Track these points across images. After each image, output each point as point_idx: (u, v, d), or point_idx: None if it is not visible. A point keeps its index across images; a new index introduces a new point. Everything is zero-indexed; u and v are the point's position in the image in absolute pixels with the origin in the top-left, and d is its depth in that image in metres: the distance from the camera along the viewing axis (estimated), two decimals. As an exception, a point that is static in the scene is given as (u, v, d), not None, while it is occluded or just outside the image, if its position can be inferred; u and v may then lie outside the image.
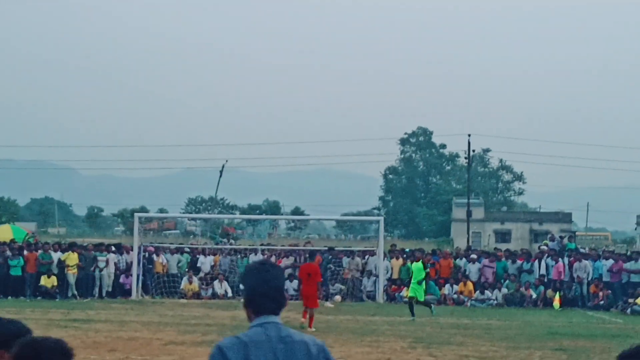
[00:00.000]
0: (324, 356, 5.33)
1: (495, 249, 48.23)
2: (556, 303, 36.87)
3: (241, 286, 38.03)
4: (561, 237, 45.16)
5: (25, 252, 38.12)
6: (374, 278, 39.91)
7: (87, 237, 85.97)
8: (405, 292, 38.19)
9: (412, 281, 30.74)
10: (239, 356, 4.98)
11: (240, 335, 5.06)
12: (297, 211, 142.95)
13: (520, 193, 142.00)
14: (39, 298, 36.54)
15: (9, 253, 37.81)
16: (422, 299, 30.88)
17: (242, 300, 5.10)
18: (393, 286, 39.48)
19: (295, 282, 40.02)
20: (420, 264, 31.28)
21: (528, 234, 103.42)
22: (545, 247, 43.03)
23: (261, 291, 5.15)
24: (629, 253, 43.37)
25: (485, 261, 40.14)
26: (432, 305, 32.07)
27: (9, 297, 36.50)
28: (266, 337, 5.07)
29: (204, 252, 43.46)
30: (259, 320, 5.11)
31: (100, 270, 38.51)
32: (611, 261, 38.88)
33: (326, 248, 44.99)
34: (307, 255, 36.57)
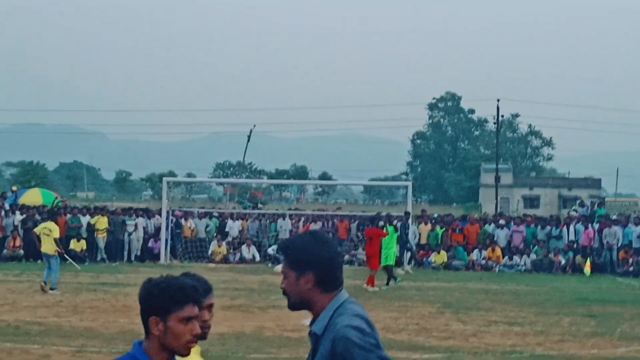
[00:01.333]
0: None
1: (524, 214, 48.00)
2: (587, 269, 36.65)
3: (270, 250, 38.16)
4: (591, 203, 44.92)
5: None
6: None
7: (115, 202, 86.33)
8: (434, 258, 38.28)
9: (385, 247, 29.11)
10: (375, 336, 4.47)
11: (358, 313, 4.48)
12: (324, 176, 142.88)
13: (549, 158, 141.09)
14: (67, 262, 36.70)
15: (38, 217, 37.98)
16: (392, 263, 29.72)
17: (307, 274, 4.49)
18: (421, 251, 39.39)
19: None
20: (392, 227, 30.49)
21: (557, 199, 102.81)
22: (574, 213, 42.83)
23: (337, 264, 4.62)
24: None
25: (514, 227, 39.95)
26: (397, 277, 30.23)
27: (39, 261, 36.67)
28: (365, 312, 4.58)
29: (232, 217, 43.55)
30: (343, 297, 4.56)
31: (129, 234, 38.64)
32: (641, 227, 38.64)
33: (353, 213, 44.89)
34: (369, 220, 34.87)
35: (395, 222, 33.85)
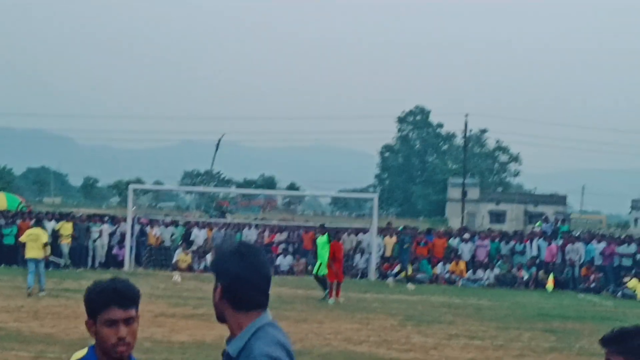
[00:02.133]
0: None
1: (489, 229, 48.28)
2: (549, 285, 36.91)
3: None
4: (555, 219, 45.24)
5: (18, 221, 38.11)
6: (367, 255, 39.93)
7: (82, 208, 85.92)
8: (398, 270, 38.43)
9: (320, 258, 29.21)
10: None
11: (280, 341, 4.13)
12: (292, 187, 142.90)
13: (516, 174, 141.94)
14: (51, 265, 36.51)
15: (2, 222, 37.81)
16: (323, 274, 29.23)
17: (218, 285, 4.18)
18: (385, 264, 39.50)
19: (289, 257, 40.18)
20: (325, 237, 30.04)
21: (523, 215, 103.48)
22: (538, 229, 43.10)
23: (252, 282, 4.20)
24: (622, 237, 43.44)
25: (479, 241, 40.16)
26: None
27: (2, 265, 36.51)
28: (287, 340, 4.22)
29: (197, 225, 43.53)
30: (265, 319, 4.19)
31: (94, 240, 38.52)
32: (603, 244, 38.96)
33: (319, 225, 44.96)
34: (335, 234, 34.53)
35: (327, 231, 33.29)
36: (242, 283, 4.15)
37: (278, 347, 4.06)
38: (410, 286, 34.36)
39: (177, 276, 29.34)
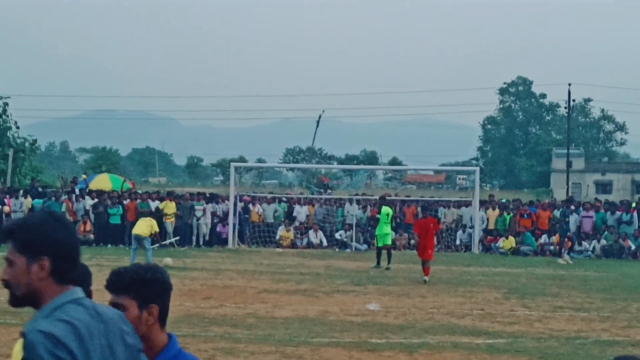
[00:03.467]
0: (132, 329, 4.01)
1: (595, 199, 47.38)
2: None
3: (337, 235, 38.20)
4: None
5: (124, 201, 38.78)
6: (470, 229, 39.65)
7: (186, 187, 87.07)
8: (502, 243, 38.06)
9: (382, 227, 30.08)
10: (81, 351, 3.62)
11: (67, 318, 3.64)
12: (394, 161, 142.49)
13: (622, 143, 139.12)
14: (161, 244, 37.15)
15: (108, 202, 38.52)
16: (390, 243, 30.54)
17: (41, 260, 3.69)
18: (489, 237, 39.18)
19: (392, 232, 40.08)
20: (388, 208, 30.66)
21: (630, 185, 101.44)
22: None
23: (77, 251, 3.86)
24: None
25: (583, 212, 39.51)
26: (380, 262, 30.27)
27: (109, 245, 37.21)
28: (92, 319, 3.75)
29: (299, 202, 43.70)
30: (72, 295, 3.76)
31: (198, 219, 38.99)
32: None
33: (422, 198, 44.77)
34: (422, 209, 34.78)
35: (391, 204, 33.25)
36: (70, 254, 3.80)
37: (62, 324, 3.60)
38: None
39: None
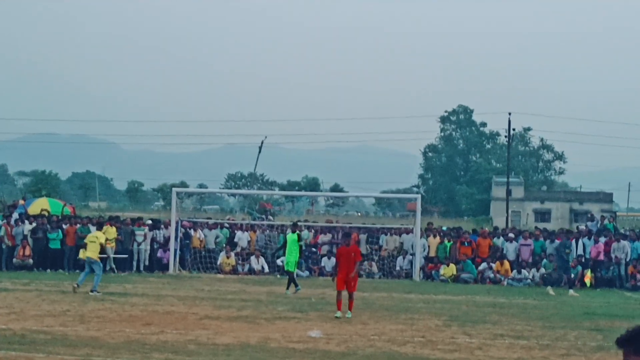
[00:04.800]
0: None
1: (536, 228, 47.87)
2: (587, 280, 36.63)
3: (278, 261, 38.20)
4: (601, 217, 44.83)
5: (64, 226, 38.41)
6: (410, 256, 39.83)
7: (127, 212, 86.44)
8: (443, 270, 38.27)
9: (288, 253, 30.48)
10: None
11: None
12: (336, 188, 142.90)
13: (561, 172, 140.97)
14: (77, 271, 36.79)
15: (48, 226, 38.12)
16: (293, 270, 30.74)
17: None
18: (430, 264, 39.39)
19: (333, 259, 40.12)
20: (295, 235, 30.85)
21: (568, 213, 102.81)
22: (583, 227, 42.71)
23: None
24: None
25: (522, 240, 39.88)
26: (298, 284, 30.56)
27: (48, 270, 36.80)
28: None
29: (241, 228, 43.61)
30: None
31: (138, 244, 38.72)
32: (651, 242, 38.54)
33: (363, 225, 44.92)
34: (343, 236, 34.64)
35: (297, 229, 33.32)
36: None
37: None
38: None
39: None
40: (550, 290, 33.94)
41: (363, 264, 39.92)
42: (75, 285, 27.26)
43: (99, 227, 32.94)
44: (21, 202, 46.65)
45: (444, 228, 43.88)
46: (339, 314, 22.85)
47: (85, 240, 28.98)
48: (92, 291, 26.91)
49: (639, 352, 4.15)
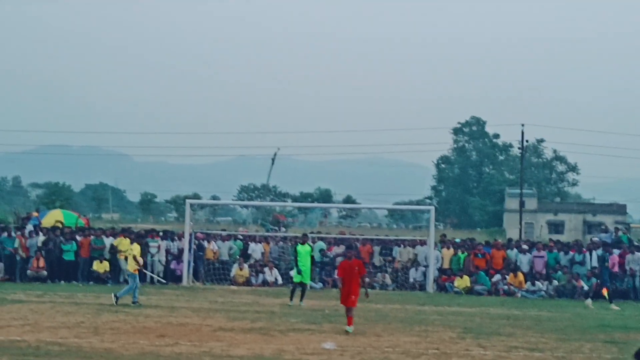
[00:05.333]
0: None
1: (550, 240, 47.74)
2: (605, 292, 36.49)
3: (291, 273, 38.23)
4: (615, 229, 44.67)
5: (78, 238, 38.50)
6: (424, 268, 39.75)
7: (140, 224, 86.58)
8: (456, 282, 38.18)
9: (302, 265, 30.48)
10: None
11: None
12: (348, 200, 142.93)
13: (574, 184, 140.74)
14: (91, 283, 36.90)
15: (61, 238, 38.21)
16: (308, 282, 31.13)
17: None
18: (443, 276, 39.30)
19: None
20: (307, 246, 31.05)
21: (581, 225, 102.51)
22: (597, 239, 42.55)
23: None
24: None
25: (536, 252, 39.76)
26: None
27: (62, 282, 36.88)
28: None
29: (254, 240, 43.60)
30: None
31: (152, 256, 38.76)
32: (665, 254, 38.40)
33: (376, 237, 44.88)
34: (345, 249, 33.11)
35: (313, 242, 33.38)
36: None
37: None
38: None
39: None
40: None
41: (376, 275, 39.99)
42: (133, 303, 27.70)
43: (114, 238, 33.02)
44: (35, 214, 46.78)
45: (457, 240, 43.80)
46: (349, 328, 22.09)
47: (124, 254, 30.00)
48: (133, 303, 27.55)
49: None
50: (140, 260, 28.96)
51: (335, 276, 32.35)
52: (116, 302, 27.41)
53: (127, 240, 38.00)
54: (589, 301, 33.61)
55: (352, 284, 22.58)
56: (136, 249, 28.78)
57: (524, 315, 28.94)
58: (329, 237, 46.49)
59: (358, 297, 22.81)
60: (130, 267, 28.45)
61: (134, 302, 27.56)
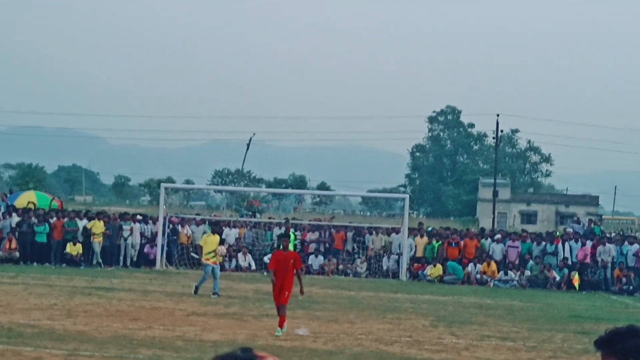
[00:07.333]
0: None
1: (523, 230, 47.95)
2: (575, 282, 36.83)
3: (265, 259, 38.19)
4: (588, 221, 44.95)
5: (51, 220, 38.31)
6: (397, 256, 39.82)
7: (113, 206, 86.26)
8: (429, 271, 38.31)
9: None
10: None
11: None
12: (323, 186, 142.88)
13: (548, 175, 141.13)
14: (63, 265, 36.75)
15: (34, 220, 38.01)
16: None
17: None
18: (416, 264, 39.41)
19: (320, 257, 40.13)
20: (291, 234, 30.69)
21: (554, 216, 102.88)
22: (570, 230, 42.82)
23: None
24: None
25: (509, 242, 39.95)
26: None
27: (35, 264, 36.71)
28: None
29: (229, 225, 43.51)
30: None
31: (125, 239, 38.64)
32: (636, 246, 38.72)
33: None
34: (278, 237, 32.38)
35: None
36: None
37: None
38: None
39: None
40: None
41: (351, 262, 40.01)
42: (213, 295, 26.69)
43: (88, 221, 32.73)
44: (3, 195, 46.53)
45: (430, 229, 43.88)
46: (279, 332, 19.10)
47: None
48: (213, 294, 26.71)
49: (617, 354, 4.20)
50: (221, 251, 28.50)
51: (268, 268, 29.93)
52: (215, 295, 26.74)
53: (102, 223, 37.93)
54: None
55: (287, 278, 19.64)
56: (215, 240, 28.31)
57: (496, 304, 29.11)
58: (302, 223, 46.42)
59: (291, 293, 19.80)
60: (216, 257, 27.86)
61: (214, 294, 26.81)
